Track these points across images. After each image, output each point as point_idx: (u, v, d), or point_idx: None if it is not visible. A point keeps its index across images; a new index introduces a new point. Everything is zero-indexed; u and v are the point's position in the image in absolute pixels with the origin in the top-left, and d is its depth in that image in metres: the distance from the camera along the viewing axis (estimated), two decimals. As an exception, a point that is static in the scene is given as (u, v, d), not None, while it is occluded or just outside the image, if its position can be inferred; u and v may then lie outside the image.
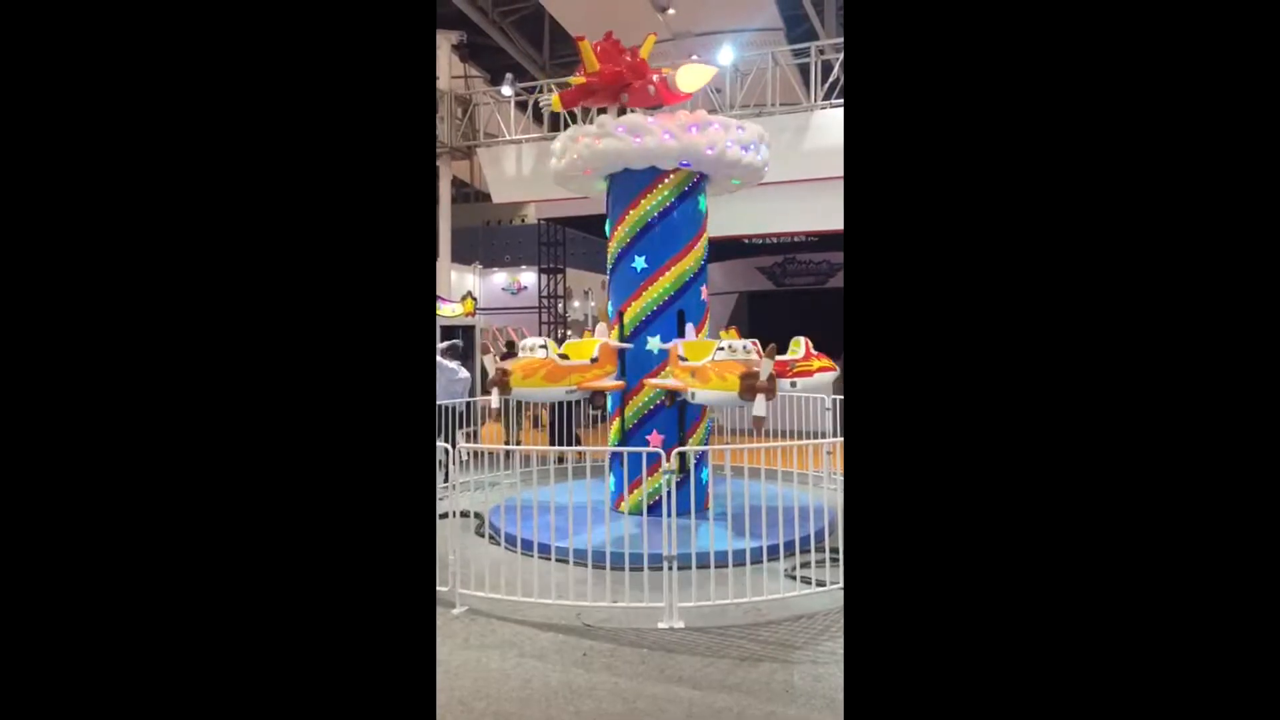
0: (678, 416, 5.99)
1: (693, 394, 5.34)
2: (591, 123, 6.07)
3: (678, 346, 5.74)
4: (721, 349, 5.23)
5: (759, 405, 4.77)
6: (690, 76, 6.13)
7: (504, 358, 5.97)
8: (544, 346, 5.79)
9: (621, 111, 6.11)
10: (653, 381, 5.86)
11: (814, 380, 6.13)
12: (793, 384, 5.93)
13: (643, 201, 6.10)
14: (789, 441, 7.02)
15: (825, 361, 6.12)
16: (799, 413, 8.19)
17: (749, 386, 4.80)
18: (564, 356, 5.91)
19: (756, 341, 5.42)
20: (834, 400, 7.45)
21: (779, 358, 5.63)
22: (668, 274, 6.06)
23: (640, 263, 6.09)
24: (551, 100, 6.55)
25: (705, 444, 6.18)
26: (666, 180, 6.05)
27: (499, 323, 15.32)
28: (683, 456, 5.64)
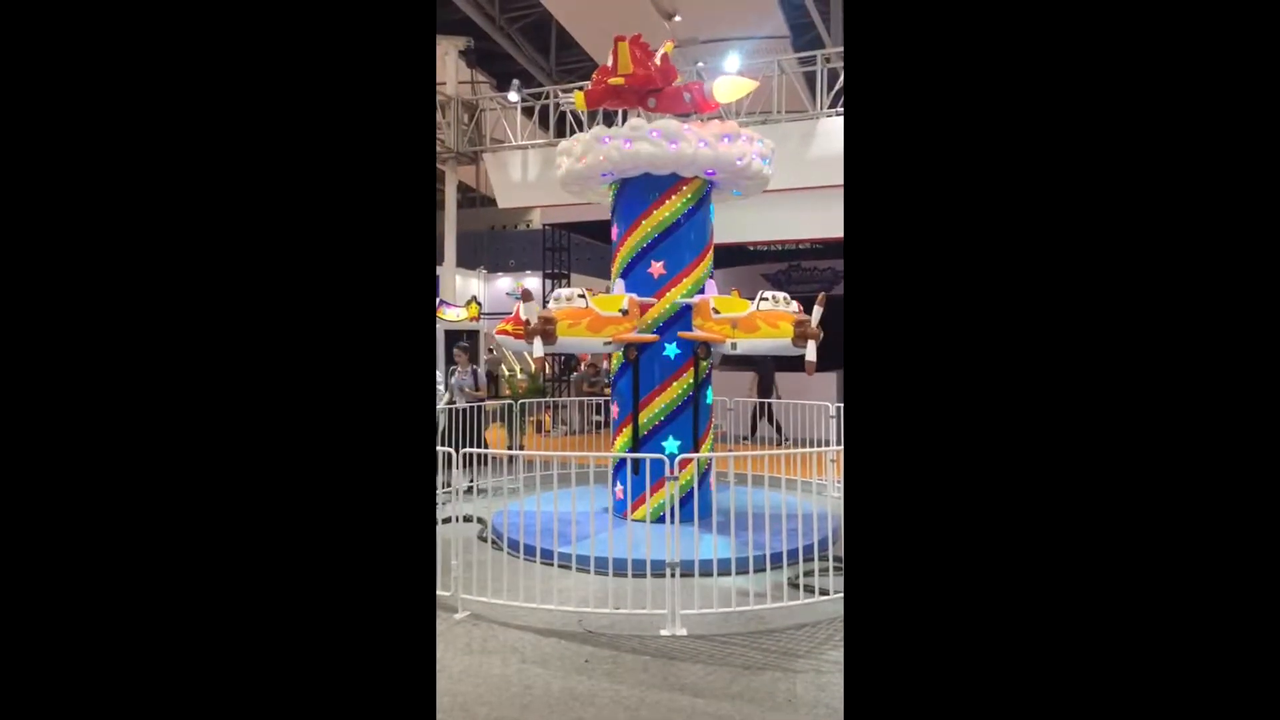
0: (692, 422, 5.96)
1: (734, 344, 5.44)
2: (599, 126, 6.11)
3: (709, 301, 5.74)
4: (765, 299, 5.39)
5: (810, 350, 5.07)
6: (729, 88, 6.13)
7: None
8: (582, 296, 5.75)
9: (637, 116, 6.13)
10: (686, 333, 5.88)
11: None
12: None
13: (660, 208, 6.09)
14: (793, 449, 7.01)
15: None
16: (801, 420, 8.19)
17: (802, 333, 5.14)
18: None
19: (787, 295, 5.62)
20: (837, 408, 7.43)
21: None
22: (686, 280, 6.07)
23: (659, 268, 6.08)
24: (575, 98, 6.54)
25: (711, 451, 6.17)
26: (684, 187, 6.07)
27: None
28: (698, 463, 5.59)
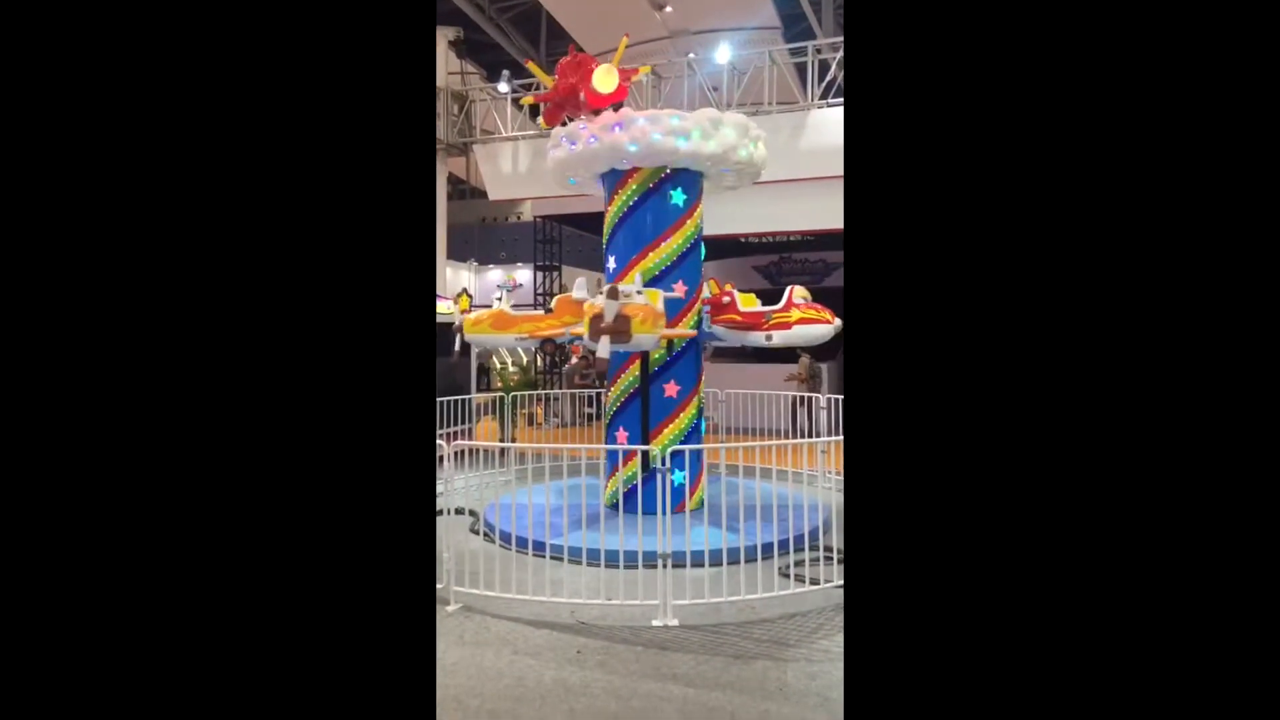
0: (641, 414, 6.02)
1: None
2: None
3: None
4: (638, 292, 5.37)
5: (601, 347, 5.00)
6: (604, 78, 6.26)
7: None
8: (499, 299, 6.25)
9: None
10: (577, 330, 6.07)
11: (794, 333, 5.63)
12: (768, 338, 5.60)
13: (612, 204, 6.26)
14: (784, 440, 7.04)
15: (811, 312, 5.61)
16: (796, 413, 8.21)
17: (595, 329, 5.04)
18: None
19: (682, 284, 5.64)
20: (830, 400, 7.46)
21: (755, 308, 5.57)
22: (632, 272, 6.07)
23: (611, 263, 6.23)
24: (541, 122, 6.98)
25: (681, 443, 5.99)
26: (630, 181, 6.13)
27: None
28: (645, 455, 5.71)
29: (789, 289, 5.80)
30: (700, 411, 6.28)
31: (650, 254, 6.06)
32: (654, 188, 6.08)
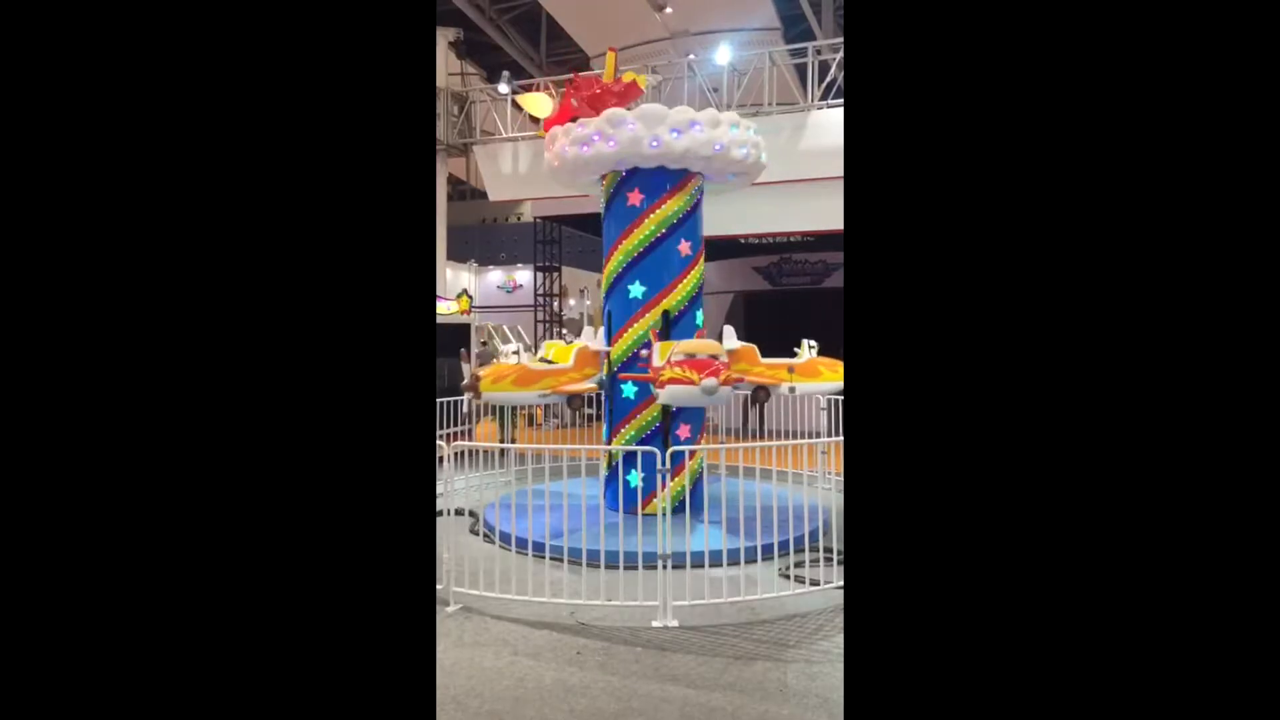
0: (608, 414, 6.29)
1: None
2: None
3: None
4: (514, 353, 6.07)
5: (468, 400, 5.79)
6: (531, 103, 6.89)
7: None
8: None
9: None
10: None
11: (665, 392, 5.19)
12: (657, 394, 5.45)
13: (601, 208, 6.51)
14: (784, 441, 7.03)
15: (677, 371, 5.14)
16: (793, 413, 8.21)
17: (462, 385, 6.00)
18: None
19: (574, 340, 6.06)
20: (829, 401, 7.46)
21: (655, 363, 5.59)
22: (603, 278, 6.34)
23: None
24: None
25: (640, 444, 5.91)
26: (602, 184, 6.34)
27: (494, 321, 15.31)
28: (610, 455, 6.08)
29: (673, 346, 5.44)
30: (675, 414, 6.03)
31: (611, 259, 6.16)
32: (615, 191, 6.20)
